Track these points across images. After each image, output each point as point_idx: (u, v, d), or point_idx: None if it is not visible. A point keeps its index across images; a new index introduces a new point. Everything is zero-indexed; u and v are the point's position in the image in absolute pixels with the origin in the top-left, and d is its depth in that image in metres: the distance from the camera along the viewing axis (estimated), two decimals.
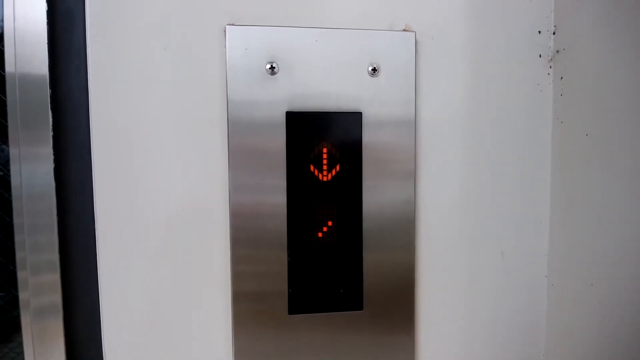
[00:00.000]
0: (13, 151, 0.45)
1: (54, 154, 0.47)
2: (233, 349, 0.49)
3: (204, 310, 0.49)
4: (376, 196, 0.50)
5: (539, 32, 0.53)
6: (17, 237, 0.47)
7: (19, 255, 0.47)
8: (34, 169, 0.46)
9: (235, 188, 0.48)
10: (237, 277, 0.48)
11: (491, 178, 0.54)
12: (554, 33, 0.53)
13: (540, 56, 0.53)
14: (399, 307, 0.51)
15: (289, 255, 0.49)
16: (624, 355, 0.47)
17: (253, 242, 0.48)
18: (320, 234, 0.49)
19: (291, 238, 0.49)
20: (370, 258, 0.50)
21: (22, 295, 0.48)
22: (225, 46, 0.47)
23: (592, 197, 0.49)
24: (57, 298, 0.48)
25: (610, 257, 0.47)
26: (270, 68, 0.47)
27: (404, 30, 0.50)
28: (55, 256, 0.47)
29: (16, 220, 0.46)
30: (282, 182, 0.48)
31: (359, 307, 0.50)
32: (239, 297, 0.49)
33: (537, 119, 0.54)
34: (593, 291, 0.49)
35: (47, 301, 0.48)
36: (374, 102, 0.49)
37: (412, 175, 0.51)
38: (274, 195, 0.48)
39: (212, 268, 0.49)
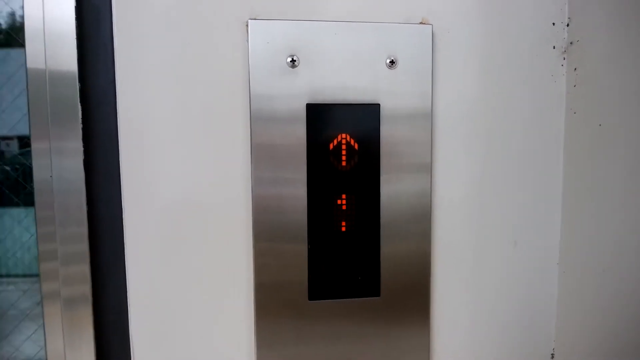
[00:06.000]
0: (44, 146, 0.46)
1: (84, 147, 0.48)
2: (255, 335, 0.50)
3: (227, 299, 0.51)
4: (393, 187, 0.51)
5: (553, 23, 0.54)
6: (48, 229, 0.48)
7: (50, 246, 0.48)
8: (64, 162, 0.47)
9: (257, 181, 0.49)
10: (260, 268, 0.50)
11: (505, 169, 0.54)
12: (567, 25, 0.54)
13: (554, 48, 0.54)
14: (414, 294, 0.53)
15: (309, 243, 0.50)
16: (635, 342, 0.48)
17: (275, 234, 0.49)
18: (338, 224, 0.51)
19: (311, 227, 0.50)
20: (388, 247, 0.52)
21: (53, 286, 0.49)
22: (247, 40, 0.48)
23: (604, 186, 0.50)
24: (86, 288, 0.49)
25: (621, 244, 0.48)
26: (291, 61, 0.48)
27: (421, 23, 0.51)
28: (85, 247, 0.48)
29: (46, 213, 0.48)
30: (302, 173, 0.49)
31: (377, 293, 0.52)
32: (261, 288, 0.50)
33: (551, 110, 0.55)
34: (604, 278, 0.50)
35: (76, 291, 0.49)
36: (391, 94, 0.50)
37: (428, 166, 0.52)
38: (294, 186, 0.49)
39: (235, 258, 0.50)
